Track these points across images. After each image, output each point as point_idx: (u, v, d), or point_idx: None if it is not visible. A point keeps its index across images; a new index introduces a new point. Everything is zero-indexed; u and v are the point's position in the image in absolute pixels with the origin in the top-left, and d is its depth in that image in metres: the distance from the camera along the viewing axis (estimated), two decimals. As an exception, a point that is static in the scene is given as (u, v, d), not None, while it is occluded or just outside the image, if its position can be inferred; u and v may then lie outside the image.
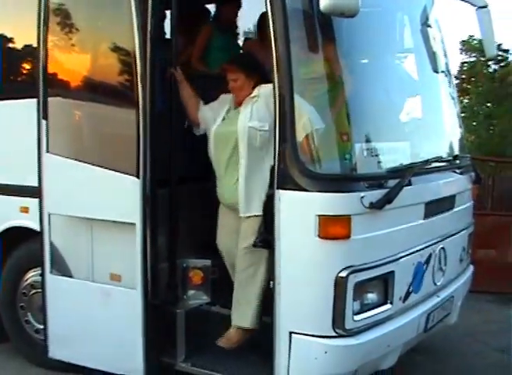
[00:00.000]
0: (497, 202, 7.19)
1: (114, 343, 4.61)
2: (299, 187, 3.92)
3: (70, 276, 4.87)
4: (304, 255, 3.96)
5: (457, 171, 5.04)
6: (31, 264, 5.26)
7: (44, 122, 4.72)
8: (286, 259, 3.99)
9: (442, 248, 4.76)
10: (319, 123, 4.01)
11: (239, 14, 6.35)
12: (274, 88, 3.95)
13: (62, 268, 4.89)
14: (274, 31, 3.94)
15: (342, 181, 4.02)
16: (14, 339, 5.52)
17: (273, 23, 3.95)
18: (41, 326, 5.20)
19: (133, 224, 4.42)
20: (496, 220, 6.93)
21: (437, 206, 4.67)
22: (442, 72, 5.30)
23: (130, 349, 4.53)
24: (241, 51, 6.32)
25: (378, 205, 3.97)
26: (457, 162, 5.08)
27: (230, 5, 6.20)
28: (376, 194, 3.98)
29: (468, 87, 10.29)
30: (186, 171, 4.73)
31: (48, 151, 4.73)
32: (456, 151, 5.20)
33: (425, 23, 5.09)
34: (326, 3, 3.61)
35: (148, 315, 4.46)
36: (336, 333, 3.95)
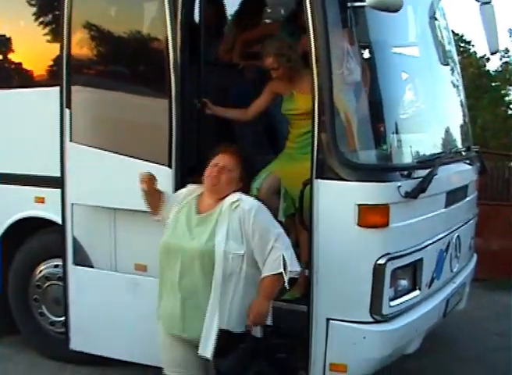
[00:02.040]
0: (481, 191, 7.40)
1: (141, 333, 4.55)
2: (338, 177, 3.98)
3: (92, 267, 4.85)
4: (343, 243, 4.03)
5: (467, 162, 5.21)
6: (44, 256, 5.24)
7: (67, 111, 4.66)
8: (324, 248, 4.05)
9: (458, 236, 4.93)
10: (358, 114, 4.12)
11: None
12: (313, 79, 4.01)
13: (83, 259, 4.86)
14: (313, 22, 3.98)
15: (381, 171, 4.13)
16: (26, 332, 5.47)
17: (312, 15, 4.00)
18: (57, 319, 5.21)
19: (163, 214, 4.42)
20: (480, 209, 7.10)
21: (455, 196, 4.83)
22: (453, 64, 5.46)
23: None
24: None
25: (413, 194, 4.08)
26: (468, 153, 5.25)
27: None
28: (410, 184, 4.09)
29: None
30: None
31: (71, 141, 4.68)
32: (468, 143, 5.36)
33: (433, 17, 5.22)
34: (373, -2, 3.69)
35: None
36: (374, 318, 4.05)
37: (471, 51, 25.08)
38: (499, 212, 8.46)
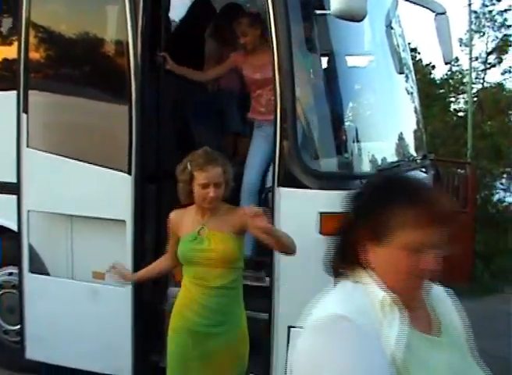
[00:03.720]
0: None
1: (100, 342, 4.52)
2: (300, 185, 4.00)
3: (49, 275, 4.77)
4: (305, 251, 4.01)
5: (423, 170, 5.28)
6: (-4, 263, 5.11)
7: (24, 115, 4.58)
8: (286, 256, 4.06)
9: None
10: (320, 122, 4.14)
11: None
12: (275, 87, 4.03)
13: (39, 266, 4.76)
14: (276, 32, 3.99)
15: (343, 179, 4.15)
16: (-22, 341, 5.32)
17: (275, 24, 4.00)
18: (11, 327, 5.10)
19: (122, 221, 4.38)
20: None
21: (412, 203, 4.88)
22: (408, 72, 5.54)
23: (118, 348, 4.48)
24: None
25: (374, 202, 4.12)
26: (423, 160, 5.33)
27: None
28: (370, 192, 4.12)
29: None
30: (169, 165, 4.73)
31: (28, 146, 4.59)
32: (423, 151, 5.45)
33: (390, 25, 5.28)
34: (338, 7, 3.69)
35: (138, 313, 4.43)
36: (335, 326, 4.07)
37: (417, 58, 25.59)
38: (449, 219, 8.59)
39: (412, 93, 5.59)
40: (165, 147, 4.61)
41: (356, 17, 3.75)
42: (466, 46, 24.97)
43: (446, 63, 5.71)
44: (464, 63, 27.16)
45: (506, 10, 28.12)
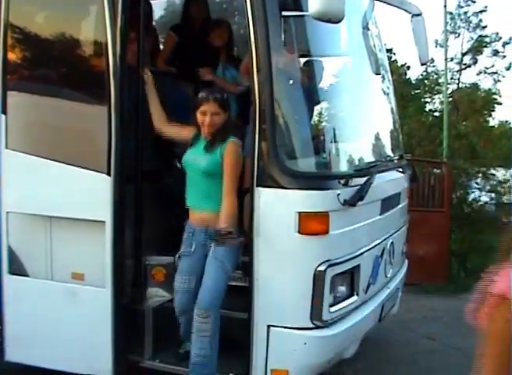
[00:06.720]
0: (409, 198, 7.64)
1: (80, 343, 4.52)
2: (279, 185, 4.04)
3: (28, 276, 4.75)
4: (284, 250, 4.08)
5: (400, 170, 5.35)
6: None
7: (3, 116, 4.57)
8: (265, 255, 4.09)
9: (392, 242, 5.05)
10: (298, 123, 4.18)
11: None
12: (253, 87, 4.07)
13: (19, 268, 4.73)
14: (254, 32, 4.02)
15: (320, 179, 4.20)
16: (-44, 342, 5.28)
17: (253, 24, 4.03)
18: (-9, 329, 5.06)
19: (101, 222, 4.38)
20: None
21: (389, 203, 4.94)
22: (385, 72, 5.59)
23: (98, 348, 4.48)
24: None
25: (352, 202, 4.16)
26: (400, 161, 5.39)
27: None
28: (348, 192, 4.17)
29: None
30: (147, 166, 4.75)
31: (7, 147, 4.59)
32: (400, 151, 5.51)
33: (367, 26, 5.34)
34: (316, 9, 3.74)
35: (118, 313, 4.44)
36: (314, 324, 4.11)
37: (393, 59, 25.78)
38: (426, 219, 8.71)
39: (389, 93, 5.64)
40: (144, 147, 4.62)
41: (334, 19, 3.79)
42: (441, 47, 25.12)
43: (423, 64, 5.76)
44: (440, 64, 27.32)
45: (481, 11, 28.52)
